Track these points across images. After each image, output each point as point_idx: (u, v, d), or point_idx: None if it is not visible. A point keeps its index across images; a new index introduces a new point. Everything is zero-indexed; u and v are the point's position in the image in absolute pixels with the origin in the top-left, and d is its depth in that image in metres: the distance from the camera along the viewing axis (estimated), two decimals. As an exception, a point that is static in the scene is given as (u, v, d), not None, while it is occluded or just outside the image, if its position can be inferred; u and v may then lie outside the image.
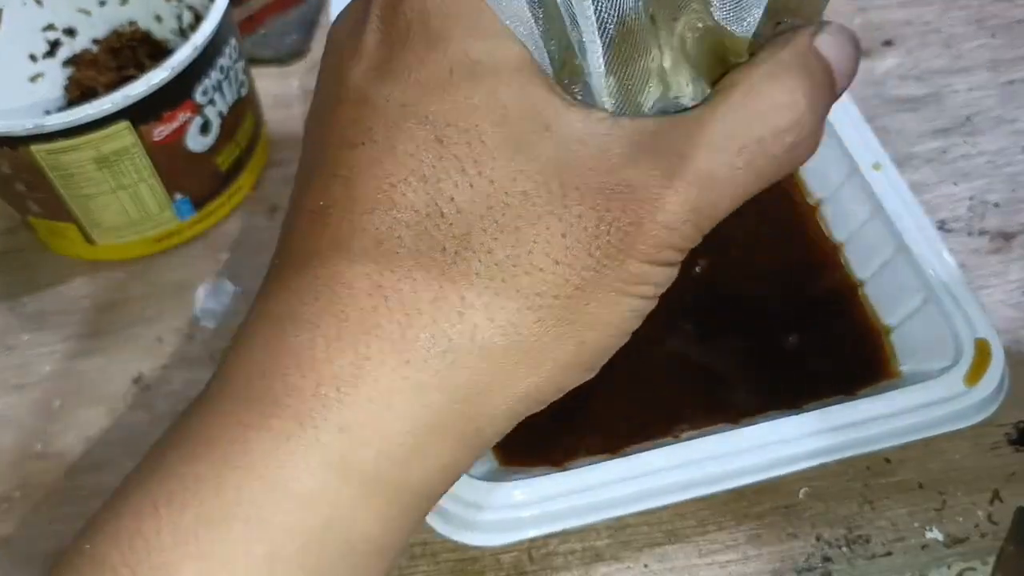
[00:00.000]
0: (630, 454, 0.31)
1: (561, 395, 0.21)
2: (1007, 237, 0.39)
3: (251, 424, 0.19)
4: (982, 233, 0.40)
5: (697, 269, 0.37)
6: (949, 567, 0.31)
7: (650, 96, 0.20)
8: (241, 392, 0.19)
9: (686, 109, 0.20)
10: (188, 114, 0.38)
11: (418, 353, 0.19)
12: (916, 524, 0.32)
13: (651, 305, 0.21)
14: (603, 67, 0.20)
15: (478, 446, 0.21)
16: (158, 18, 0.45)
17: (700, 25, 0.20)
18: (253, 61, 0.48)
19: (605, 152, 0.19)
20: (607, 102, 0.20)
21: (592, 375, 0.21)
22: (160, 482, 0.19)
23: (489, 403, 0.20)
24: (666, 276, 0.20)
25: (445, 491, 0.21)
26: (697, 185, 0.19)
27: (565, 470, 0.31)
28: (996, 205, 0.40)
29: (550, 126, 0.19)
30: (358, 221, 0.19)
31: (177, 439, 0.20)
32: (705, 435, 0.31)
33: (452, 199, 0.19)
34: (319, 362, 0.19)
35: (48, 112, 0.44)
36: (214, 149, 0.40)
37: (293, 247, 0.21)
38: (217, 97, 0.39)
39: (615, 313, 0.20)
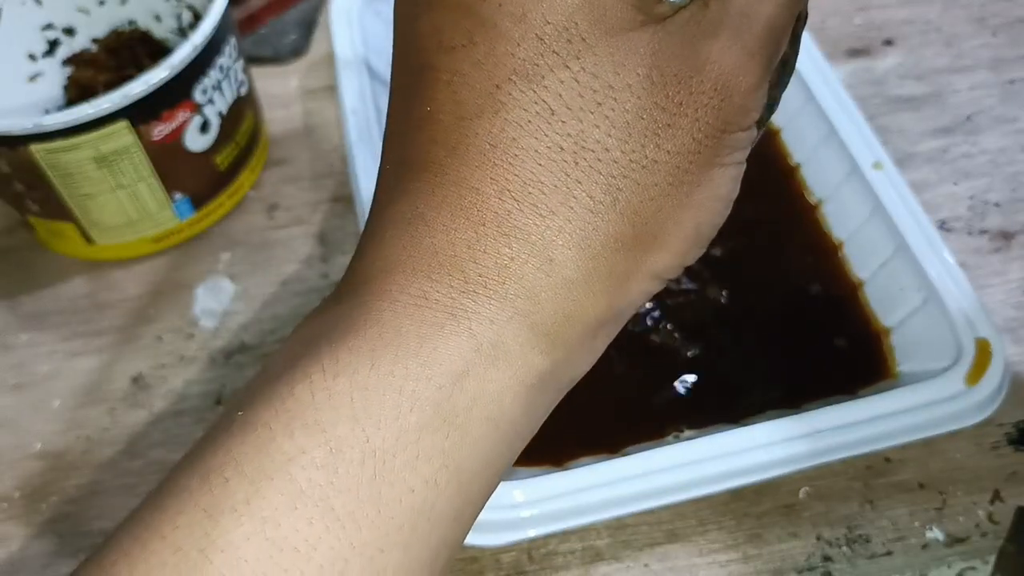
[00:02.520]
0: (630, 454, 0.31)
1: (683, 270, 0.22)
2: (1007, 236, 0.39)
3: (402, 313, 0.19)
4: (982, 232, 0.40)
5: (717, 253, 0.38)
6: (949, 566, 0.31)
7: None
8: (382, 286, 0.20)
9: None
10: (187, 113, 0.38)
11: (559, 252, 0.20)
12: (916, 524, 0.32)
13: (743, 169, 0.22)
14: None
15: (616, 329, 0.22)
16: (157, 17, 0.45)
17: None
18: (252, 60, 0.48)
19: (696, 36, 0.20)
20: None
21: (705, 249, 0.22)
22: (311, 357, 0.19)
23: (627, 289, 0.21)
24: (753, 137, 0.21)
25: (579, 377, 0.22)
26: (765, 41, 0.20)
27: (565, 470, 0.31)
28: (997, 204, 0.40)
29: (644, 18, 0.20)
30: (469, 126, 0.20)
31: (318, 328, 0.20)
32: (705, 435, 0.31)
33: (560, 95, 0.19)
34: (463, 262, 0.20)
35: (47, 111, 0.44)
36: (213, 148, 0.40)
37: (406, 153, 0.21)
38: (216, 96, 0.39)
39: (721, 186, 0.21)
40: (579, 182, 0.20)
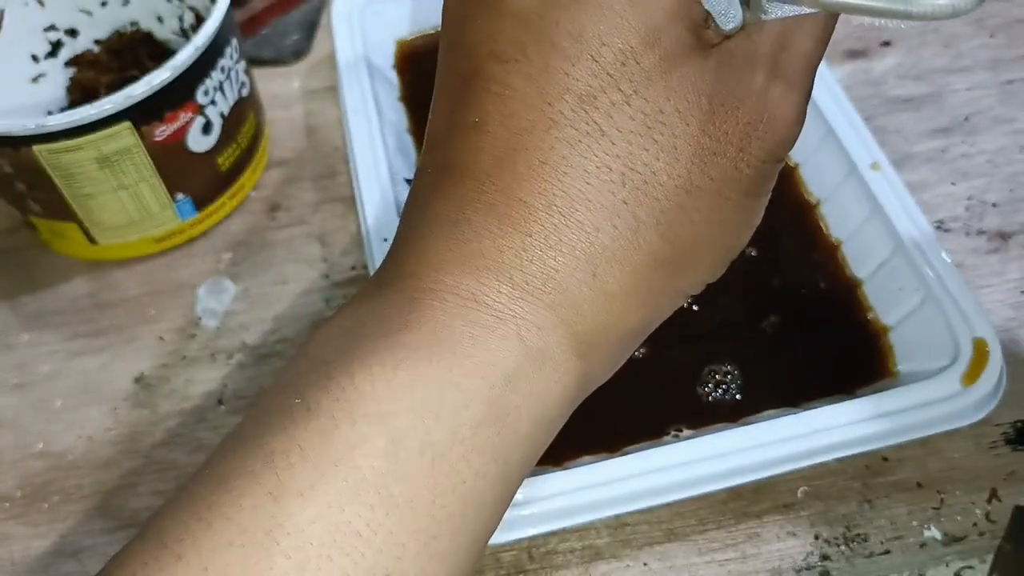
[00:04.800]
0: (630, 453, 0.31)
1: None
2: (1005, 237, 0.39)
3: (453, 313, 0.20)
4: (980, 233, 0.40)
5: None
6: (947, 565, 0.31)
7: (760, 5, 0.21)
8: (430, 284, 0.21)
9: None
10: (189, 114, 0.38)
11: (603, 267, 0.20)
12: (914, 523, 0.32)
13: (769, 196, 0.22)
14: None
15: (643, 338, 0.23)
16: (159, 19, 0.45)
17: None
18: (254, 62, 0.48)
19: (745, 68, 0.20)
20: (734, 14, 0.21)
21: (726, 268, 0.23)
22: (367, 348, 0.20)
23: (659, 303, 0.22)
24: (781, 166, 0.22)
25: (604, 381, 0.23)
26: (805, 74, 0.21)
27: (565, 469, 0.31)
28: (994, 205, 0.40)
29: (697, 45, 0.20)
30: (519, 140, 0.20)
31: (366, 319, 0.21)
32: (704, 434, 0.31)
33: (611, 116, 0.20)
34: (509, 268, 0.20)
35: (50, 112, 0.44)
36: (215, 149, 0.40)
37: (451, 158, 0.21)
38: (218, 97, 0.39)
39: (754, 214, 0.22)
40: (625, 202, 0.20)
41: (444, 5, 0.23)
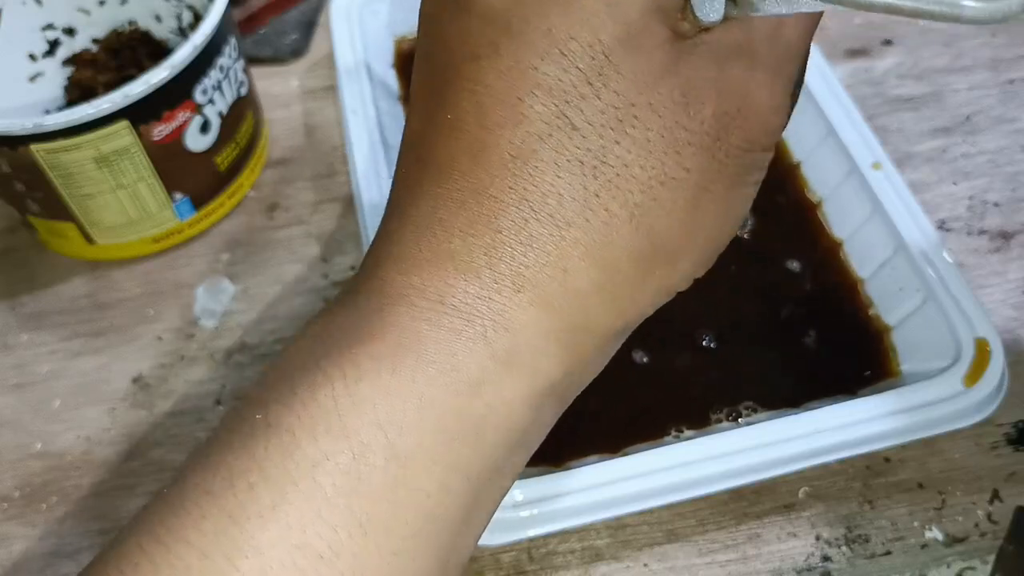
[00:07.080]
0: (630, 454, 0.31)
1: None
2: (1007, 236, 0.39)
3: (420, 318, 0.20)
4: (982, 232, 0.40)
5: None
6: (949, 566, 0.31)
7: None
8: (400, 289, 0.20)
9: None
10: (188, 113, 0.38)
11: (574, 263, 0.20)
12: (916, 523, 0.32)
13: (757, 189, 0.22)
14: None
15: (624, 338, 0.22)
16: (157, 18, 0.45)
17: None
18: (253, 61, 0.48)
19: (722, 58, 0.20)
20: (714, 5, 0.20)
21: (712, 263, 0.22)
22: (331, 360, 0.19)
23: (638, 301, 0.21)
24: (770, 158, 0.22)
25: (586, 384, 0.22)
26: (788, 63, 0.21)
27: (565, 469, 0.31)
28: (996, 204, 0.40)
29: (670, 38, 0.20)
30: (491, 136, 0.20)
31: (335, 327, 0.20)
32: (705, 435, 0.31)
33: (581, 111, 0.20)
34: (479, 267, 0.20)
35: (48, 112, 0.44)
36: (214, 149, 0.40)
37: (426, 157, 0.21)
38: (217, 96, 0.39)
39: (737, 205, 0.22)
40: (597, 195, 0.20)
41: (420, 8, 0.23)
